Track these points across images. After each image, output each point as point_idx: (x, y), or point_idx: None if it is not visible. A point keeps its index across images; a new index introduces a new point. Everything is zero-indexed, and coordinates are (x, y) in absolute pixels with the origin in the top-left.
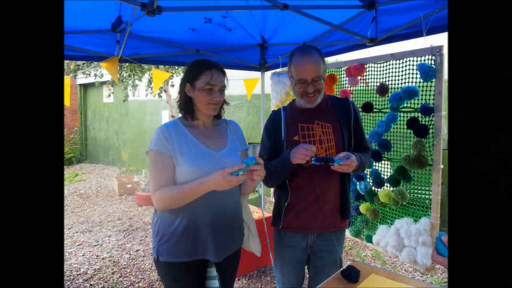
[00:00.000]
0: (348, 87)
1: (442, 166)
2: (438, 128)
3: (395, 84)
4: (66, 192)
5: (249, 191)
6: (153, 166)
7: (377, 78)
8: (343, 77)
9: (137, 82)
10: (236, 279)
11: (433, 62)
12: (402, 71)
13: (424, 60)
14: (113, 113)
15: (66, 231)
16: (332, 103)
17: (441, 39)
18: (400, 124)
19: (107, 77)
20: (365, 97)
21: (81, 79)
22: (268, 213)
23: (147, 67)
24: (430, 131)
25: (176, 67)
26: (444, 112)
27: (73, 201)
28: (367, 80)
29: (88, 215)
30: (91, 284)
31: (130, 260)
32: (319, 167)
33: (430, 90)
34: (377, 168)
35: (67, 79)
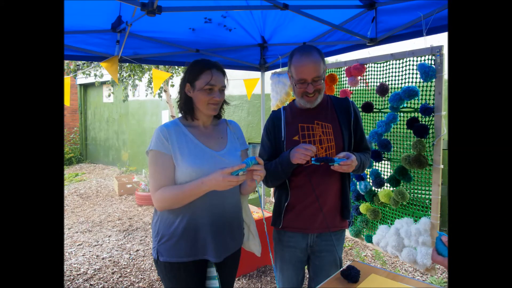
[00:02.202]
0: (348, 87)
1: (442, 166)
2: (438, 128)
3: (395, 84)
4: (66, 192)
5: (249, 191)
6: (153, 166)
7: (377, 78)
8: (343, 77)
9: (137, 82)
10: (236, 279)
11: (433, 62)
12: (402, 71)
13: (424, 60)
14: (113, 113)
15: (66, 231)
16: (332, 103)
17: (441, 39)
18: (400, 124)
19: (107, 77)
20: (365, 97)
21: (81, 79)
22: (268, 213)
23: (147, 67)
24: (430, 131)
25: (176, 67)
26: (444, 112)
27: (73, 201)
28: (367, 80)
29: (88, 215)
30: (91, 284)
31: (130, 260)
32: (319, 167)
33: (430, 90)
34: (377, 168)
35: (67, 79)
